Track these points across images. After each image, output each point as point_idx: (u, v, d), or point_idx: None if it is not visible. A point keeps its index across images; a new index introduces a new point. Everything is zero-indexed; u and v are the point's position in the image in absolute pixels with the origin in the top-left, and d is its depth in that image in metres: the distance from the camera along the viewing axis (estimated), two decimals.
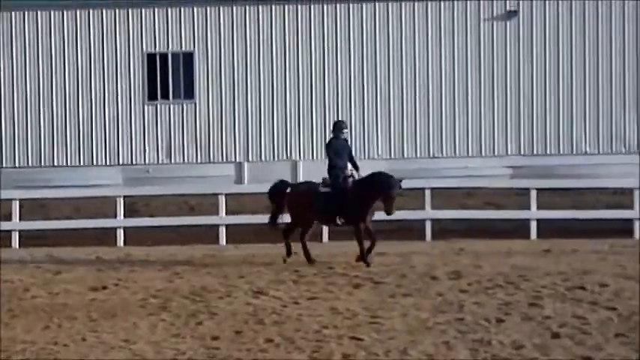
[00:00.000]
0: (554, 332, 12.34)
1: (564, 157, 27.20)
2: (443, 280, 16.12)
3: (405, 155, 27.52)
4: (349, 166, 18.26)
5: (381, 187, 17.49)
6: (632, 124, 27.39)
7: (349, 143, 18.87)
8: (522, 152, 27.40)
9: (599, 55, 27.64)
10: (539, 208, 21.72)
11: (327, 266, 17.87)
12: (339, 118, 22.53)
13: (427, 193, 21.73)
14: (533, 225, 21.47)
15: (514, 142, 27.47)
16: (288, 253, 18.35)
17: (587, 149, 27.38)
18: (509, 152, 27.41)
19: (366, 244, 17.81)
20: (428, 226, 21.48)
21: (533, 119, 27.46)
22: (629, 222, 21.53)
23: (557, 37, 27.63)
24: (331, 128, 18.95)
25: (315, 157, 27.79)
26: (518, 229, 21.54)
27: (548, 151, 27.42)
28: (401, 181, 17.48)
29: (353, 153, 18.86)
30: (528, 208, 21.74)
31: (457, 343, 11.86)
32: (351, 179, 17.97)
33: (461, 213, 22.73)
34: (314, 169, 27.09)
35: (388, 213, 17.71)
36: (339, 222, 18.02)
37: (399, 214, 21.90)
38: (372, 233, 17.92)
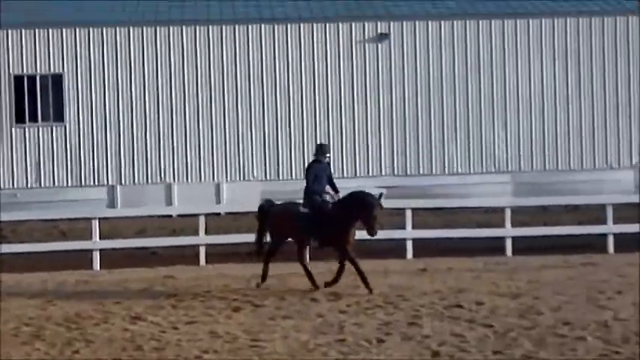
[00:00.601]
0: (434, 351, 12.48)
1: (437, 177, 27.59)
2: (322, 302, 16.15)
3: (281, 177, 27.53)
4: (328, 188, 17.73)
5: (360, 206, 16.81)
6: (501, 143, 27.97)
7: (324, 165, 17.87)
8: (396, 172, 27.69)
9: (468, 75, 28.15)
10: (413, 227, 21.96)
11: (204, 289, 17.69)
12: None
13: None
14: (409, 244, 21.69)
15: (388, 162, 27.75)
16: (263, 278, 17.76)
17: (459, 169, 27.84)
18: (383, 173, 27.66)
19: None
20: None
21: (406, 140, 27.83)
22: (501, 240, 21.90)
23: (428, 57, 28.07)
24: (313, 151, 18.39)
25: (189, 180, 27.56)
26: (394, 249, 21.70)
27: (421, 171, 27.79)
28: (380, 196, 16.90)
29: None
30: (403, 227, 21.95)
31: None
32: (330, 201, 17.45)
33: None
34: (188, 192, 27.10)
35: (370, 234, 16.90)
36: (313, 243, 17.71)
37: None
38: (343, 259, 17.25)
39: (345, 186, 26.53)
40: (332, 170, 18.11)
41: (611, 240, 21.74)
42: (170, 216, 24.40)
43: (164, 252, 21.26)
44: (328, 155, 18.11)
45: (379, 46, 27.89)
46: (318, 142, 20.45)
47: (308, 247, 18.43)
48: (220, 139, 27.65)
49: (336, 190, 17.64)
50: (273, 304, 16.04)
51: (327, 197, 17.45)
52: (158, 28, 28.00)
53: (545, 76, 28.10)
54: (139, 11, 28.84)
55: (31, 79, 28.25)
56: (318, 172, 17.52)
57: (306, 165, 26.80)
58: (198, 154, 27.65)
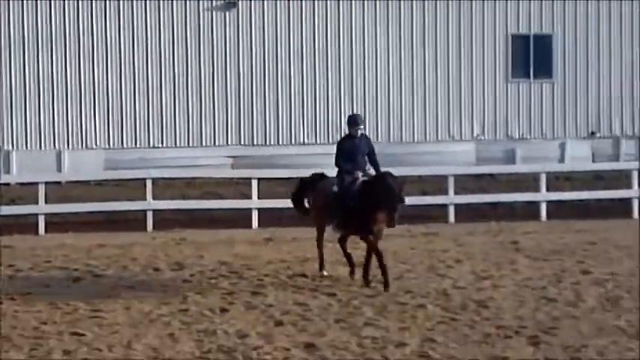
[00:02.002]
0: (277, 320, 12.55)
1: (283, 147, 27.65)
2: (165, 272, 16.06)
3: (125, 145, 27.10)
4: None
5: (380, 193, 14.36)
6: (346, 113, 28.11)
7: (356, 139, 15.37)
8: (242, 142, 27.63)
9: (315, 46, 28.17)
10: (259, 197, 21.98)
11: (44, 260, 17.28)
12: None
13: (148, 183, 21.50)
14: (255, 214, 21.70)
15: (234, 132, 27.65)
16: (321, 265, 16.01)
17: (306, 140, 27.96)
18: (229, 143, 27.56)
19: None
20: (149, 216, 21.21)
21: (253, 110, 27.72)
22: None
23: (276, 28, 27.96)
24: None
25: (29, 147, 26.78)
26: (240, 219, 21.69)
27: (268, 142, 27.81)
28: (403, 184, 14.78)
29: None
30: (249, 197, 21.95)
31: (182, 335, 11.85)
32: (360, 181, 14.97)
33: (182, 203, 22.63)
34: (28, 160, 26.27)
35: (388, 225, 14.65)
36: (334, 229, 15.51)
37: (117, 205, 21.73)
38: (371, 250, 14.98)
39: (191, 155, 26.83)
40: (371, 143, 15.63)
41: (452, 210, 22.23)
42: (8, 184, 23.67)
43: (3, 221, 20.66)
44: (362, 127, 15.55)
45: (227, 14, 27.65)
46: (350, 113, 17.76)
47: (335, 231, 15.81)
48: (62, 106, 26.95)
49: (377, 170, 15.35)
50: (116, 274, 15.86)
51: (358, 175, 14.99)
52: None
53: (391, 52, 28.35)
54: None
55: None
56: (349, 148, 15.22)
57: (146, 133, 27.09)
58: (38, 120, 26.90)
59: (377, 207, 14.39)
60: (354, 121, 15.46)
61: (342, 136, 16.21)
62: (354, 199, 14.64)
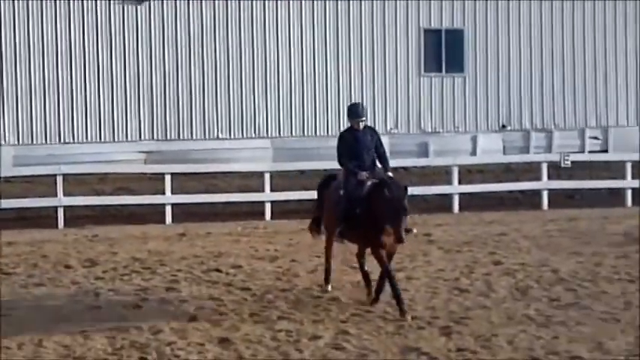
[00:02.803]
0: (191, 315, 12.54)
1: (197, 142, 27.48)
2: (77, 268, 15.88)
3: (35, 141, 26.67)
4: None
5: (384, 203, 12.26)
6: (262, 110, 28.11)
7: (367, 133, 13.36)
8: (155, 137, 27.42)
9: (229, 41, 28.06)
10: (173, 192, 21.87)
11: None
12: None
13: (59, 179, 21.26)
14: (168, 209, 21.58)
15: (147, 127, 27.41)
16: (326, 279, 14.11)
17: (220, 134, 27.85)
18: (142, 137, 27.33)
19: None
20: (60, 212, 21.00)
21: (166, 104, 27.51)
22: (261, 204, 22.12)
23: (188, 22, 27.78)
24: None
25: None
26: (153, 214, 21.58)
27: (181, 136, 27.63)
28: (406, 189, 12.66)
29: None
30: (163, 192, 21.82)
31: (94, 332, 11.75)
32: (368, 182, 12.82)
33: (94, 199, 22.46)
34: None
35: (397, 240, 12.38)
36: (336, 239, 13.55)
37: (27, 202, 21.41)
38: (385, 268, 12.83)
39: (103, 150, 26.50)
40: (378, 137, 13.46)
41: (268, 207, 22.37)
42: None
43: None
44: (364, 119, 13.31)
45: (138, 9, 27.42)
46: (350, 103, 15.73)
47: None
48: None
49: (385, 168, 13.25)
50: (25, 271, 15.63)
51: (364, 176, 12.86)
52: None
53: (305, 48, 28.36)
54: None
55: None
56: (351, 143, 13.13)
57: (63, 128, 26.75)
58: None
59: (383, 219, 12.26)
60: (354, 112, 13.37)
61: (344, 129, 13.84)
62: (360, 205, 12.64)
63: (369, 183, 12.69)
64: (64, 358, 10.76)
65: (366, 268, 13.47)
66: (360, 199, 12.64)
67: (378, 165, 13.24)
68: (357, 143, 13.04)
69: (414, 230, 13.73)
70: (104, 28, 27.20)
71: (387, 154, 13.48)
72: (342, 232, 13.09)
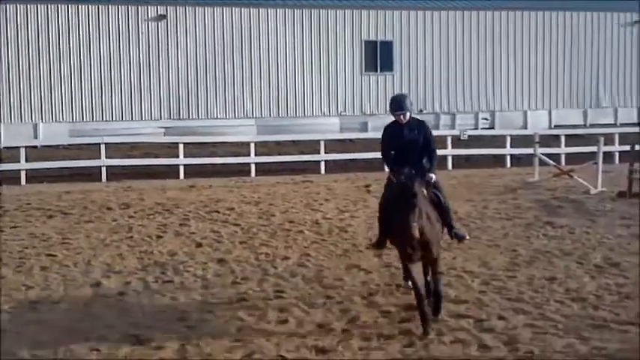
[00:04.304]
0: (197, 242, 12.62)
1: (202, 121, 27.41)
2: (116, 210, 15.91)
3: (84, 119, 26.48)
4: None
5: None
6: (248, 97, 28.02)
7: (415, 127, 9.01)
8: (172, 117, 27.30)
9: (225, 45, 27.90)
10: (184, 156, 21.85)
11: (24, 202, 16.91)
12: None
13: (102, 147, 21.22)
14: (181, 169, 21.56)
15: (166, 109, 27.29)
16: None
17: (219, 115, 27.76)
18: (162, 117, 27.20)
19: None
20: (103, 171, 20.96)
21: (179, 93, 27.37)
22: (248, 165, 22.18)
23: (195, 33, 27.59)
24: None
25: (13, 120, 25.95)
26: (170, 172, 21.55)
27: (190, 116, 27.52)
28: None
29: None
30: (177, 156, 21.82)
31: (128, 255, 11.83)
32: (416, 182, 8.03)
33: (127, 161, 22.35)
34: (13, 130, 25.47)
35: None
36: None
37: (80, 163, 21.33)
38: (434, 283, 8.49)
39: (134, 126, 26.41)
40: (428, 131, 9.02)
41: (322, 165, 22.44)
42: None
43: None
44: (407, 112, 8.85)
45: (159, 23, 27.19)
46: (394, 94, 10.49)
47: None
48: (37, 90, 26.17)
49: (429, 166, 8.82)
50: (79, 212, 15.65)
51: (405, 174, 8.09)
52: None
53: (278, 52, 28.29)
54: None
55: None
56: (395, 138, 8.96)
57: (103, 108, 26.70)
58: (19, 99, 26.05)
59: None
60: (396, 104, 8.89)
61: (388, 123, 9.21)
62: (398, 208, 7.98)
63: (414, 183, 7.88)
64: (107, 269, 10.86)
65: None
66: (399, 201, 7.97)
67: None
68: (400, 138, 8.83)
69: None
70: (137, 37, 27.01)
71: (434, 150, 8.93)
72: (379, 239, 8.98)
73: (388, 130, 9.09)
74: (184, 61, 27.54)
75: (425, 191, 8.32)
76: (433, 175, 8.77)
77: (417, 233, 7.69)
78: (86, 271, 10.81)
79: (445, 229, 8.85)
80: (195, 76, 27.61)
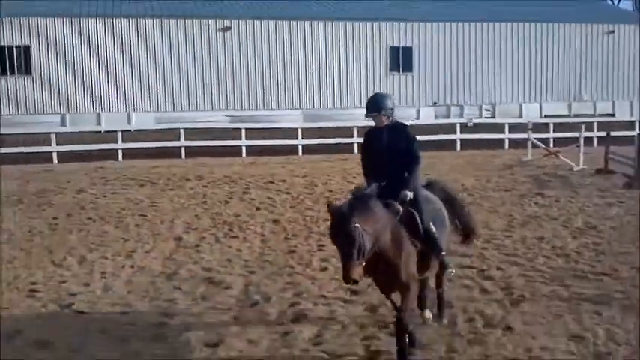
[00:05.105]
0: (257, 207, 12.70)
1: (260, 111, 27.50)
2: (192, 181, 15.99)
3: (167, 109, 26.75)
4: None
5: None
6: (296, 92, 28.02)
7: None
8: (235, 107, 27.42)
9: (277, 53, 27.86)
10: (246, 139, 21.87)
11: (122, 174, 17.14)
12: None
13: (181, 131, 21.33)
14: (244, 149, 21.54)
15: (231, 101, 27.44)
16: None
17: (273, 106, 27.80)
18: (227, 107, 27.35)
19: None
20: (182, 150, 21.08)
21: (242, 88, 27.43)
22: (296, 147, 22.03)
23: (254, 41, 27.58)
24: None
25: (111, 110, 26.37)
26: (235, 152, 21.58)
27: (250, 107, 27.60)
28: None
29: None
30: (240, 139, 21.85)
31: (203, 216, 11.96)
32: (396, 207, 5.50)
33: (201, 142, 22.06)
34: (111, 117, 25.90)
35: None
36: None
37: (164, 144, 21.46)
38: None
39: (206, 115, 26.65)
40: (409, 136, 5.88)
41: (355, 146, 22.34)
42: (100, 132, 23.32)
43: (99, 153, 20.31)
44: (384, 113, 5.86)
45: (225, 34, 27.25)
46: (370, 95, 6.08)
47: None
48: (130, 87, 26.49)
49: (407, 180, 5.73)
50: (164, 182, 15.80)
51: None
52: None
53: (320, 55, 28.25)
54: None
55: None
56: (375, 146, 5.92)
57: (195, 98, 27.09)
58: (115, 91, 26.38)
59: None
60: (369, 104, 5.92)
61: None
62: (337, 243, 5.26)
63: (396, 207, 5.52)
64: (187, 227, 10.95)
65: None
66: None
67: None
68: (379, 144, 5.88)
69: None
70: (208, 45, 27.17)
71: (415, 158, 5.80)
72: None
73: (369, 134, 6.05)
74: (245, 64, 27.63)
75: (396, 209, 5.49)
76: (409, 193, 5.63)
77: (354, 275, 4.93)
78: (170, 228, 10.97)
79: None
80: (254, 75, 27.71)
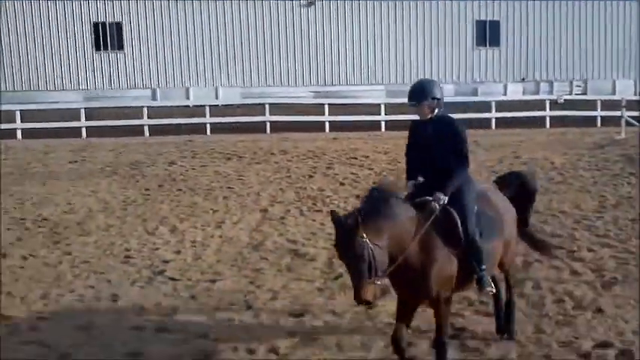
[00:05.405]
0: (340, 182, 12.73)
1: (343, 86, 27.47)
2: (277, 155, 16.14)
3: (252, 85, 27.17)
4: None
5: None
6: (379, 69, 27.83)
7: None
8: (318, 83, 27.49)
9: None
10: (329, 114, 21.77)
11: (209, 147, 17.49)
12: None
13: (266, 106, 21.55)
14: (327, 124, 21.48)
15: (314, 77, 27.53)
16: None
17: (355, 82, 27.73)
18: (311, 83, 27.46)
19: None
20: (267, 125, 21.29)
21: (325, 64, 27.46)
22: (378, 122, 21.89)
23: (337, 17, 27.49)
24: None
25: (199, 84, 27.07)
26: (318, 127, 21.36)
27: (333, 83, 27.57)
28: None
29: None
30: (323, 114, 21.79)
31: (287, 189, 12.12)
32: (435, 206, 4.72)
33: (285, 117, 22.40)
34: (198, 92, 26.56)
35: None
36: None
37: (250, 119, 21.73)
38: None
39: (290, 91, 26.92)
40: (458, 133, 4.92)
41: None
42: (188, 106, 23.86)
43: (190, 127, 20.77)
44: (426, 103, 4.94)
45: (309, 9, 27.33)
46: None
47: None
48: (217, 63, 27.04)
49: (446, 182, 4.82)
50: (250, 156, 16.01)
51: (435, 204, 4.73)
52: None
53: (411, 35, 27.89)
54: None
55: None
56: (419, 140, 5.07)
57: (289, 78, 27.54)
58: (203, 67, 27.01)
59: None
60: (410, 94, 5.06)
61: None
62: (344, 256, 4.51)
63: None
64: (272, 200, 11.15)
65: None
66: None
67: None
68: (422, 138, 5.07)
69: None
70: (292, 21, 27.32)
71: (461, 158, 4.94)
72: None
73: (412, 127, 5.22)
74: (329, 40, 27.61)
75: (432, 208, 4.71)
76: (442, 197, 4.77)
77: (367, 296, 4.28)
78: (256, 201, 11.18)
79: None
80: (337, 51, 27.65)
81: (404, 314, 4.93)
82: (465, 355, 5.47)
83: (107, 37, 26.70)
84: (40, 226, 9.86)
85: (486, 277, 4.93)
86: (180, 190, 12.14)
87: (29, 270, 7.93)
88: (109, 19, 26.65)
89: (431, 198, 4.81)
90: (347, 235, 4.31)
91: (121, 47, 26.86)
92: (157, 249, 8.62)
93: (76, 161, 15.59)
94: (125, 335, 6.03)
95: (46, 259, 8.34)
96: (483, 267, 4.90)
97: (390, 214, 4.48)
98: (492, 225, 5.04)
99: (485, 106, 22.43)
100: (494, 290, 5.09)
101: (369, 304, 4.41)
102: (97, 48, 26.78)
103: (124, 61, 27.01)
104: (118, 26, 26.69)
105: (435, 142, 4.97)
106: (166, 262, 8.07)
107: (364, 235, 4.28)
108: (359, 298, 4.31)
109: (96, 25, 26.61)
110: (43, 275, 7.72)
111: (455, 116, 5.22)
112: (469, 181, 5.02)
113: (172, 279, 7.47)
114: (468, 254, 4.83)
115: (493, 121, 21.74)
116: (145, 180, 13.14)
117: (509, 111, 22.35)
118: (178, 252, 8.45)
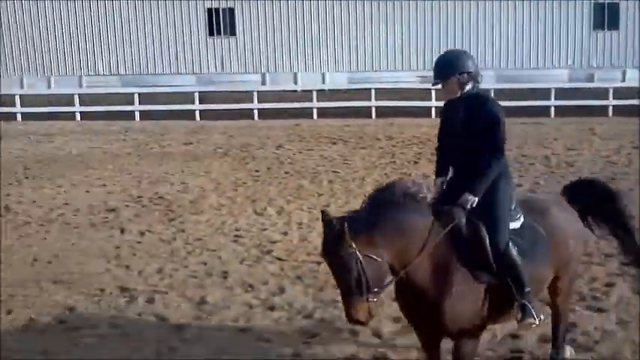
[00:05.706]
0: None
1: (384, 72, 26.86)
2: (382, 140, 16.06)
3: (359, 69, 27.21)
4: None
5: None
6: (489, 48, 27.04)
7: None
8: (425, 68, 26.98)
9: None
10: (436, 100, 21.23)
11: (316, 131, 17.68)
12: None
13: (372, 91, 21.42)
14: (433, 110, 20.81)
15: (421, 61, 27.15)
16: None
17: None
18: (418, 68, 27.11)
19: None
20: (373, 110, 21.23)
21: (433, 48, 27.00)
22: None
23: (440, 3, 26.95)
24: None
25: (307, 70, 27.45)
26: (424, 112, 20.87)
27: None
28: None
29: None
30: (430, 99, 21.28)
31: (392, 174, 12.02)
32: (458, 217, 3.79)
33: (391, 102, 22.25)
34: (306, 77, 26.89)
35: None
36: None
37: (351, 104, 21.51)
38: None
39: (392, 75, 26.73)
40: (491, 114, 3.90)
41: (552, 109, 21.03)
42: (296, 90, 24.10)
43: (293, 111, 21.01)
44: (445, 81, 4.07)
45: None
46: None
47: None
48: (325, 48, 27.23)
49: (475, 181, 3.88)
50: (355, 141, 15.99)
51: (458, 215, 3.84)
52: None
53: (510, 19, 26.89)
54: None
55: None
56: (448, 120, 4.20)
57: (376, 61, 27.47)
58: (311, 52, 27.30)
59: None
60: (436, 67, 4.17)
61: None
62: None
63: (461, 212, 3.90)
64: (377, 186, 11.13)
65: None
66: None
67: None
68: (453, 121, 4.18)
69: None
70: (400, 6, 27.09)
71: (494, 148, 3.94)
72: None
73: (444, 108, 4.37)
74: (437, 25, 27.13)
75: (452, 217, 3.85)
76: (470, 199, 3.92)
77: (357, 315, 3.60)
78: (361, 185, 11.19)
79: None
80: (446, 36, 26.95)
81: (428, 346, 4.08)
82: (576, 352, 5.27)
83: (220, 22, 27.50)
84: (155, 204, 10.39)
85: (529, 305, 3.85)
86: (287, 172, 12.39)
87: (146, 245, 8.39)
88: (222, 5, 27.42)
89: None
90: (333, 243, 3.57)
91: (233, 33, 27.59)
92: (265, 229, 8.87)
93: (190, 143, 16.22)
94: (235, 311, 6.27)
95: (161, 235, 8.79)
96: (527, 290, 3.84)
97: (391, 220, 3.63)
98: (541, 242, 4.05)
99: (602, 93, 21.28)
100: (537, 322, 3.92)
101: (361, 324, 3.67)
102: (211, 33, 27.64)
103: (236, 45, 27.74)
104: (231, 12, 27.42)
105: (466, 126, 3.98)
106: (274, 242, 8.29)
107: (352, 245, 3.52)
108: (349, 317, 3.61)
109: (210, 10, 27.47)
110: (159, 250, 8.15)
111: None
112: (503, 177, 3.93)
113: (279, 259, 7.68)
114: (501, 274, 3.77)
115: (610, 108, 20.53)
116: (255, 162, 13.51)
117: (627, 99, 21.09)
118: (285, 233, 8.65)
